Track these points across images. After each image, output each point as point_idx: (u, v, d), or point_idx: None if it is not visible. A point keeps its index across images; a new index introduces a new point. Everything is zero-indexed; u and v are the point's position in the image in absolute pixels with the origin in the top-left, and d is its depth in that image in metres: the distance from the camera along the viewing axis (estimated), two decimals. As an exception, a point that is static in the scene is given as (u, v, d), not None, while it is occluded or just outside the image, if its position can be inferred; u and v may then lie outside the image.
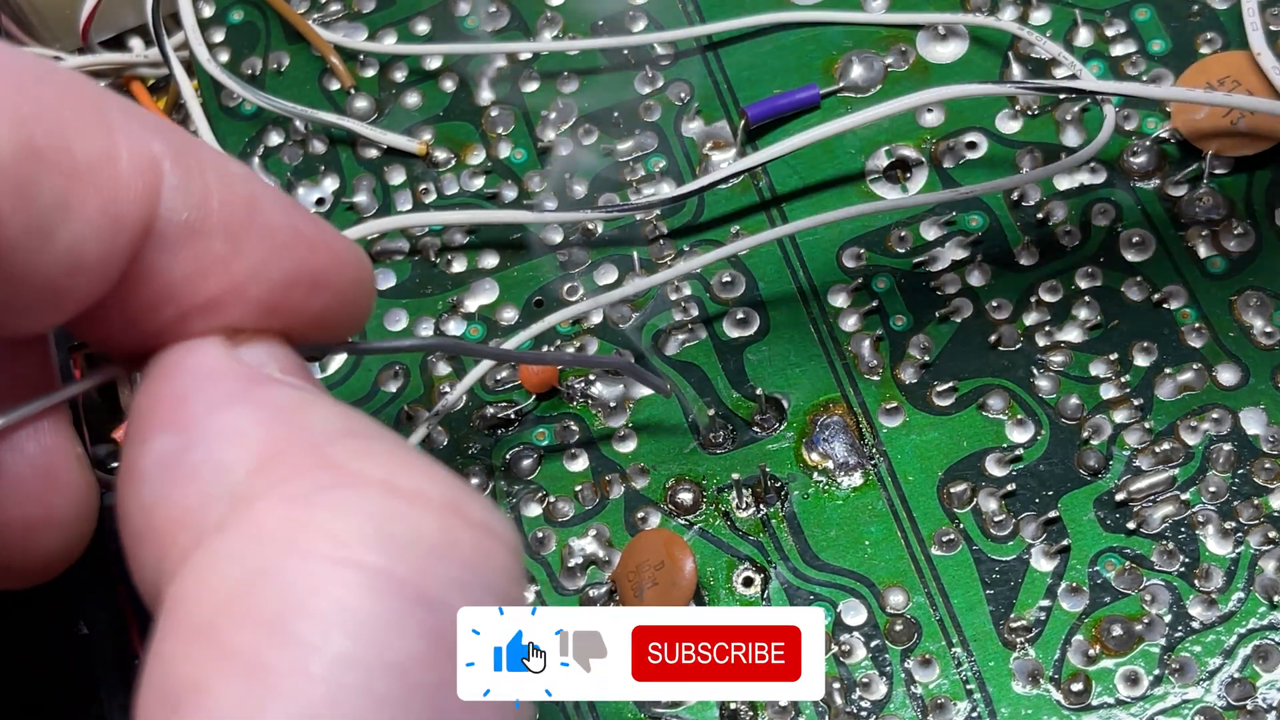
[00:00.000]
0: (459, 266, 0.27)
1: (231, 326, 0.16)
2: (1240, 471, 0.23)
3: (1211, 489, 0.23)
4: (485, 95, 0.28)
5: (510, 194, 0.27)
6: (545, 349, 0.26)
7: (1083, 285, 0.25)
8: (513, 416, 0.25)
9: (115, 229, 0.15)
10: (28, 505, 0.16)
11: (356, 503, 0.13)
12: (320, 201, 0.28)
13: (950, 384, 0.24)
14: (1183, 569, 0.23)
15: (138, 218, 0.15)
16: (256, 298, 0.16)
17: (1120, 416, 0.24)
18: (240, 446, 0.14)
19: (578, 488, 0.25)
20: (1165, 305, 0.25)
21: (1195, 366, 0.24)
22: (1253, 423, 0.24)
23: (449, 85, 0.28)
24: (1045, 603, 0.23)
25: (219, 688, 0.12)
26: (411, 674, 0.13)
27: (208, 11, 0.30)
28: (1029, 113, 0.27)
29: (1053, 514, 0.23)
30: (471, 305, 0.26)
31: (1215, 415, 0.24)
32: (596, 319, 0.26)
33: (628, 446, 0.25)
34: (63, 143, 0.14)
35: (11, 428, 0.16)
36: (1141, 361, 0.24)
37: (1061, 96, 0.26)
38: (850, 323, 0.25)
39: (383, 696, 0.12)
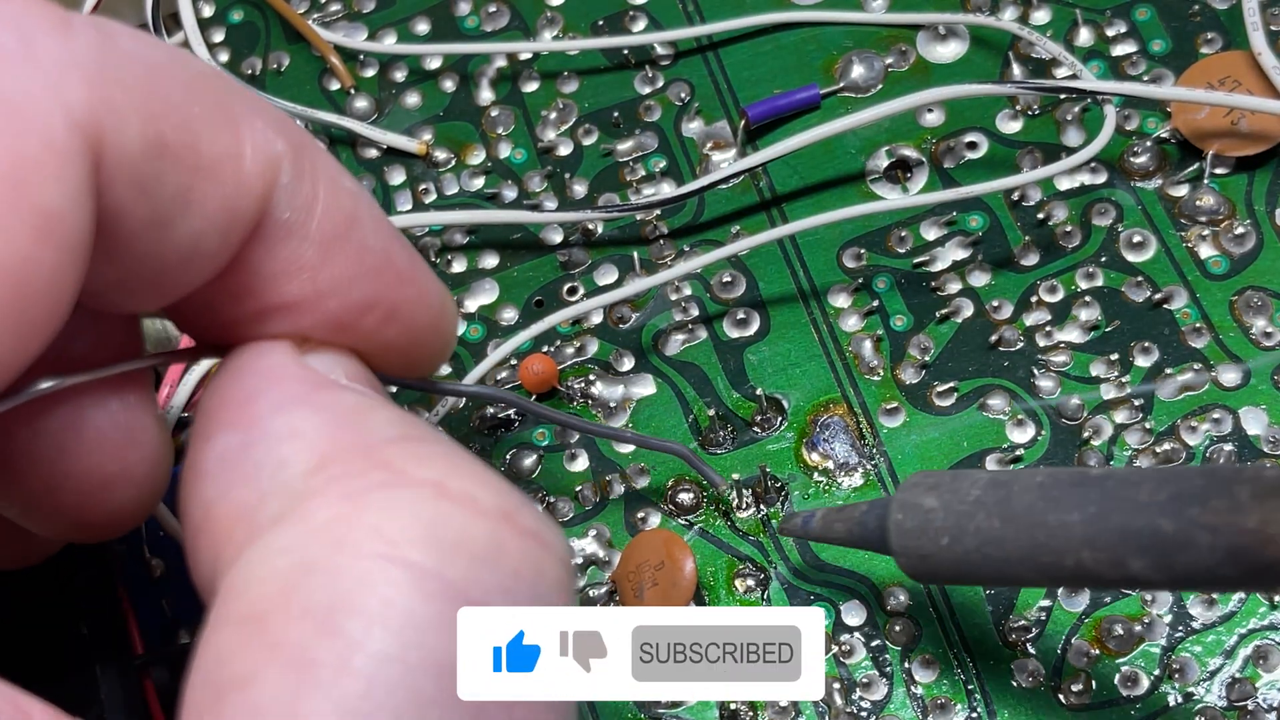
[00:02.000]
0: (459, 266, 0.27)
1: (302, 334, 0.16)
2: (1241, 472, 0.23)
3: (1212, 489, 0.23)
4: (485, 95, 0.28)
5: (510, 194, 0.27)
6: (545, 350, 0.26)
7: (1083, 285, 0.25)
8: (513, 417, 0.25)
9: (231, 224, 0.15)
10: (106, 459, 0.16)
11: (407, 503, 0.13)
12: (320, 201, 0.28)
13: (951, 384, 0.24)
14: None
15: (254, 214, 0.15)
16: (332, 312, 0.16)
17: (1121, 417, 0.24)
18: (299, 446, 0.14)
19: (578, 488, 0.25)
20: (1166, 305, 0.25)
21: (1196, 367, 0.24)
22: (1253, 423, 0.24)
23: (449, 85, 0.28)
24: (1045, 603, 0.23)
25: (264, 677, 0.12)
26: (452, 675, 0.13)
27: (208, 11, 0.30)
28: (1029, 113, 0.27)
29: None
30: (471, 305, 0.26)
31: (1216, 415, 0.24)
32: (597, 319, 0.26)
33: (628, 446, 0.25)
34: (190, 139, 0.14)
35: (99, 383, 0.16)
36: (1142, 362, 0.24)
37: (1062, 96, 0.26)
38: (850, 323, 0.25)
39: (421, 694, 0.12)
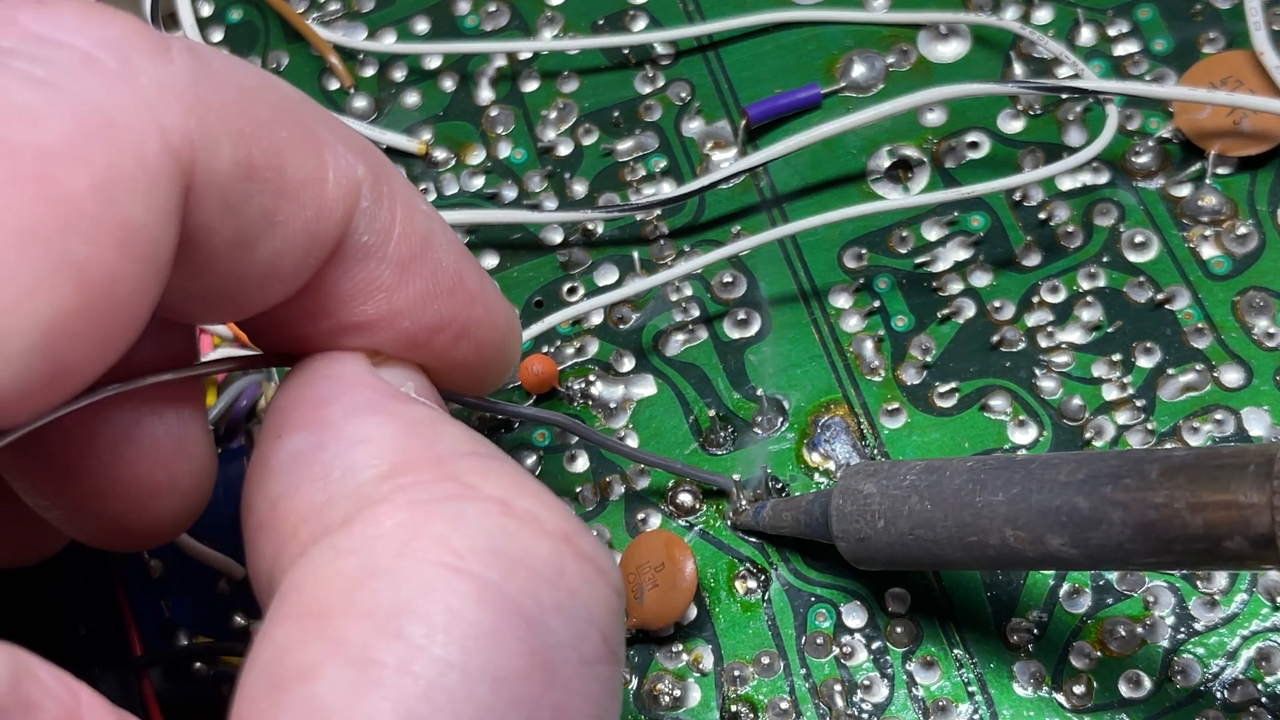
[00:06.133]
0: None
1: (375, 349, 0.17)
2: (1243, 472, 0.23)
3: (1214, 490, 0.23)
4: (485, 95, 0.28)
5: (510, 194, 0.27)
6: (545, 350, 0.26)
7: (1085, 286, 0.25)
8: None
9: (311, 246, 0.15)
10: (157, 469, 0.17)
11: (474, 517, 0.14)
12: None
13: (952, 385, 0.24)
14: (1186, 570, 0.23)
15: (334, 237, 0.16)
16: (406, 331, 0.17)
17: (1123, 418, 0.24)
18: (371, 452, 0.15)
19: (578, 489, 0.25)
20: (1168, 306, 0.25)
21: (1198, 367, 0.24)
22: (1256, 424, 0.24)
23: (449, 85, 0.28)
24: (1047, 604, 0.23)
25: (325, 674, 0.13)
26: (507, 686, 0.13)
27: (207, 11, 0.30)
28: (1031, 112, 0.27)
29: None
30: (471, 305, 0.26)
31: (1218, 416, 0.24)
32: (597, 319, 0.26)
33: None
34: (277, 161, 0.15)
35: (155, 392, 0.16)
36: (1144, 362, 0.24)
37: (1064, 96, 0.26)
38: (852, 323, 0.25)
39: (478, 702, 0.13)
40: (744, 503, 0.24)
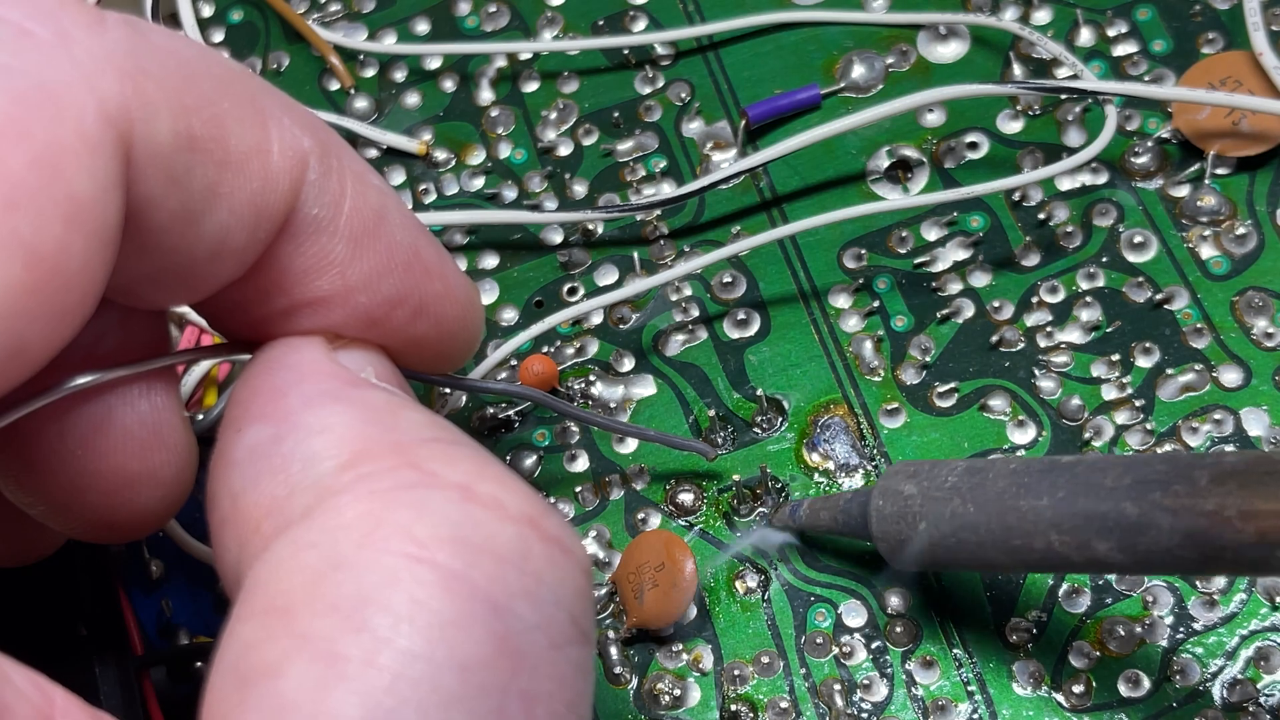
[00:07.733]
0: (459, 267, 0.27)
1: (333, 330, 0.17)
2: (1242, 472, 0.23)
3: (1213, 490, 0.23)
4: (485, 95, 0.28)
5: (510, 194, 0.27)
6: (545, 350, 0.26)
7: (1084, 286, 0.25)
8: (513, 417, 0.25)
9: (259, 219, 0.15)
10: (134, 460, 0.17)
11: (436, 504, 0.14)
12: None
13: (951, 385, 0.24)
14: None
15: (282, 210, 0.15)
16: (363, 307, 0.16)
17: (1122, 418, 0.24)
18: (330, 441, 0.15)
19: (578, 489, 0.25)
20: (1167, 306, 0.25)
21: (1197, 367, 0.24)
22: (1255, 424, 0.24)
23: (449, 85, 0.28)
24: (1047, 604, 0.23)
25: (291, 670, 0.13)
26: (475, 674, 0.13)
27: (207, 11, 0.30)
28: (1030, 113, 0.27)
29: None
30: (471, 306, 0.26)
31: (1217, 416, 0.24)
32: (597, 319, 0.26)
33: (628, 447, 0.25)
34: (219, 134, 0.15)
35: (127, 382, 0.16)
36: (1143, 362, 0.24)
37: (1063, 97, 0.26)
38: (851, 323, 0.25)
39: (445, 692, 0.13)
40: (768, 506, 0.24)
